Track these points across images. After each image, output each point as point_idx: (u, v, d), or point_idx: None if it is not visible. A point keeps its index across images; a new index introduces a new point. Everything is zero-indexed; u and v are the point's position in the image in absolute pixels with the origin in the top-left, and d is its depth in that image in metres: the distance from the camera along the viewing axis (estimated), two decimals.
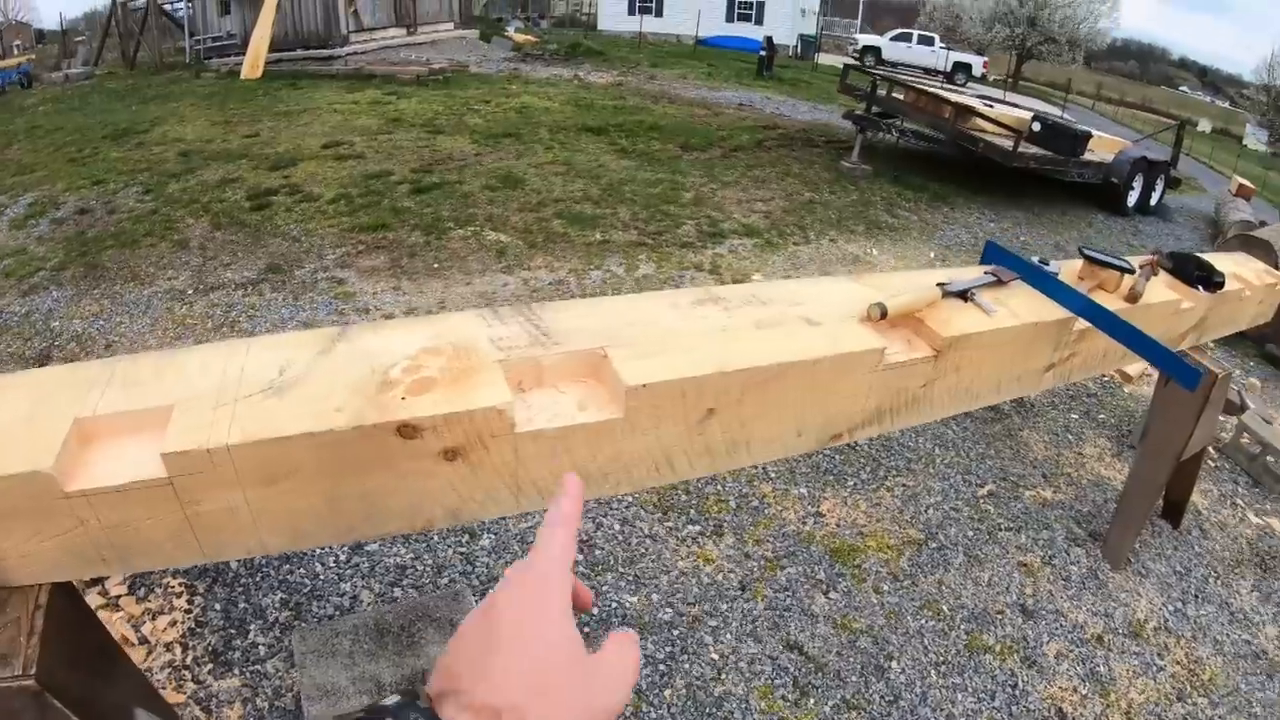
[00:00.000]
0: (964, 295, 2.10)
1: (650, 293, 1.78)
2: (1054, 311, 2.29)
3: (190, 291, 5.33)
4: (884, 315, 1.76)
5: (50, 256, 6.12)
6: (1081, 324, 2.37)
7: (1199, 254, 3.39)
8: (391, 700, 0.51)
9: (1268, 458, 4.94)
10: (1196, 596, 3.75)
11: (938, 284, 2.06)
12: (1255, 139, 47.27)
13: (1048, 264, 2.49)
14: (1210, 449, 5.13)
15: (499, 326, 1.50)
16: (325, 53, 16.51)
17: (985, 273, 2.34)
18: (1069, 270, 2.72)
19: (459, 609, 2.39)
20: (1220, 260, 3.91)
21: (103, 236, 6.41)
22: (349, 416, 1.18)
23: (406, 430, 1.22)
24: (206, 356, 1.33)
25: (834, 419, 1.75)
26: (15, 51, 17.88)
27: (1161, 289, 3.01)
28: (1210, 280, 3.23)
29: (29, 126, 11.23)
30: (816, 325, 1.69)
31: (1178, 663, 3.31)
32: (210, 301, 5.19)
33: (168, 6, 18.74)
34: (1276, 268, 6.92)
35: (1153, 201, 12.27)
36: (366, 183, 7.66)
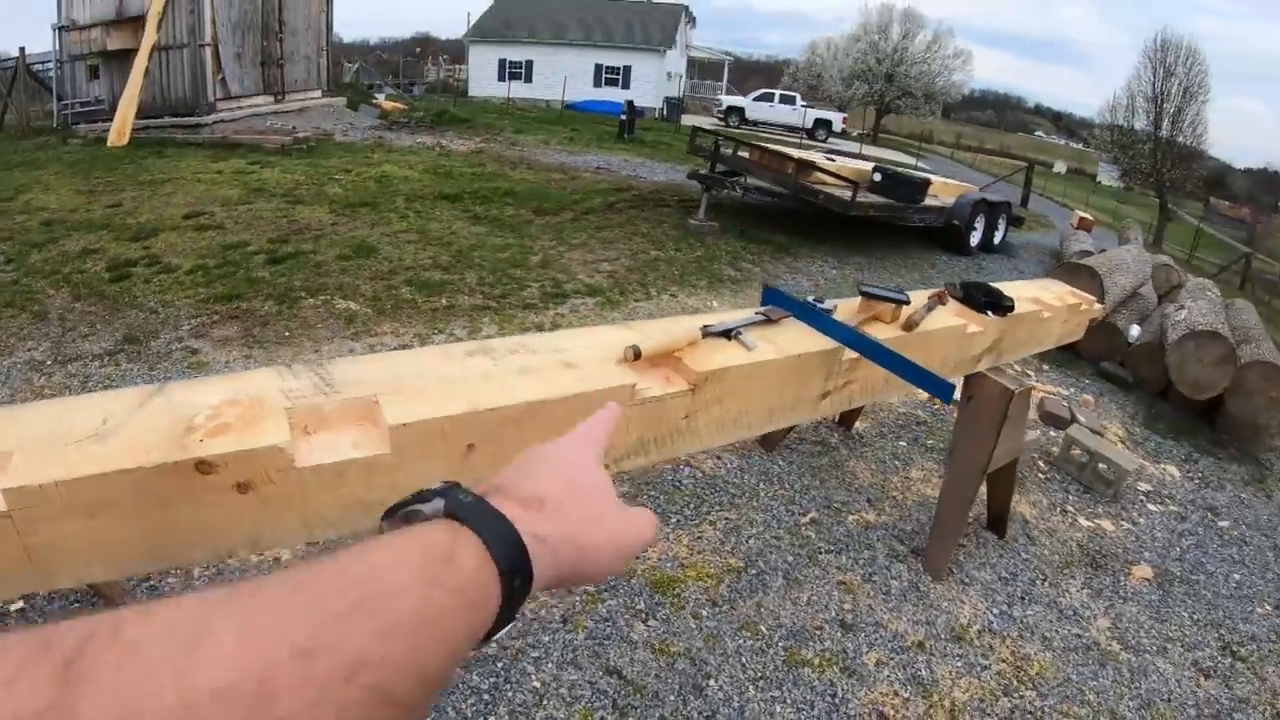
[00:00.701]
0: (728, 334, 2.32)
1: (431, 346, 1.96)
2: (821, 343, 2.53)
3: (49, 362, 5.30)
4: (638, 356, 1.97)
5: None
6: (851, 353, 2.61)
7: (989, 283, 3.70)
8: (437, 485, 0.58)
9: (1099, 464, 5.31)
10: (1023, 598, 3.95)
11: (702, 326, 2.27)
12: (1108, 176, 50.27)
13: (822, 301, 2.74)
14: (1040, 462, 5.51)
15: (291, 380, 1.70)
16: (192, 120, 16.24)
17: (756, 313, 2.58)
18: (849, 306, 2.98)
19: None
20: (1019, 287, 4.27)
21: None
22: (156, 456, 1.38)
23: (203, 466, 1.41)
24: (44, 410, 1.52)
25: None
26: None
27: (947, 316, 3.31)
28: (999, 305, 3.54)
29: None
30: (574, 368, 1.89)
31: (1004, 660, 3.47)
32: (68, 372, 5.17)
33: (37, 68, 18.19)
34: (1102, 291, 7.53)
35: (996, 240, 13.02)
36: (224, 253, 7.65)
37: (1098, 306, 4.62)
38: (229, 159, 12.95)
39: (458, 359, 1.88)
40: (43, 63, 18.27)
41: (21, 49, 17.38)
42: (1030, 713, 3.23)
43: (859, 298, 3.03)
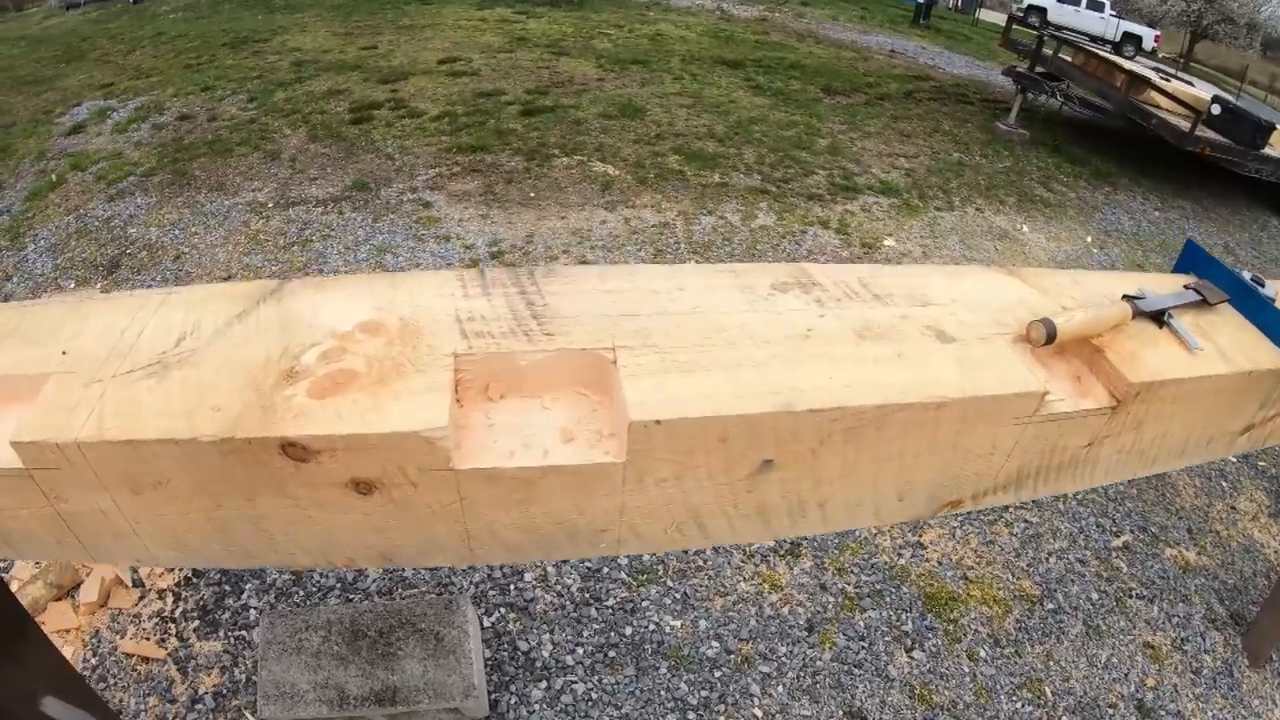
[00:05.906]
0: (1159, 318, 1.51)
1: (710, 266, 1.25)
2: (1270, 356, 1.68)
3: (271, 205, 5.24)
4: (1051, 338, 1.21)
5: (143, 162, 6.13)
6: None
7: None
8: None
9: None
10: None
11: (1125, 296, 1.48)
12: None
13: (1263, 284, 1.85)
14: None
15: (478, 298, 1.06)
16: None
17: (1185, 287, 1.73)
18: None
19: (450, 621, 1.95)
20: None
21: (197, 144, 6.39)
22: (220, 423, 0.84)
23: (294, 451, 0.85)
24: (116, 308, 1.04)
25: (954, 482, 1.24)
26: None
27: None
28: None
29: (155, 33, 11.35)
30: (949, 343, 1.15)
31: None
32: (288, 217, 5.07)
33: None
34: None
35: None
36: (475, 101, 7.42)
37: None
38: (494, 7, 12.78)
39: (759, 293, 1.17)
40: None
41: None
42: None
43: None
